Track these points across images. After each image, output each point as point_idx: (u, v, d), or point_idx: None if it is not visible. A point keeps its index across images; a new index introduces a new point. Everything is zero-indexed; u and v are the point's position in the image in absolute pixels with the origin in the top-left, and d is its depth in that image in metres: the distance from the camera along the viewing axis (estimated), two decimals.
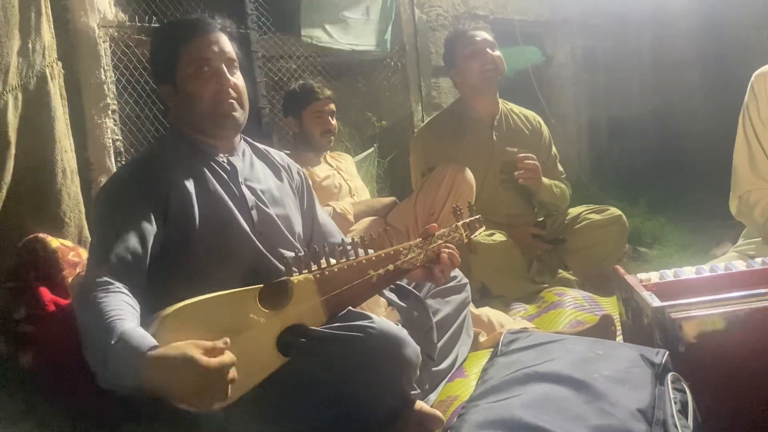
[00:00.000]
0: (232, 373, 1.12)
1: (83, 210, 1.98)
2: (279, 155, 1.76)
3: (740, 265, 1.61)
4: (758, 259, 1.63)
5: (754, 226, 2.06)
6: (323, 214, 1.80)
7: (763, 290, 1.38)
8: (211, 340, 1.14)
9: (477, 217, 1.64)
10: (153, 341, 1.13)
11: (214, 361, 1.09)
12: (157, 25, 2.85)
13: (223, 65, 1.55)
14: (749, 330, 1.32)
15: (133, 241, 1.36)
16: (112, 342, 1.14)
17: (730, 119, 2.14)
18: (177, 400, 1.09)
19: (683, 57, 5.18)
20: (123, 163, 2.70)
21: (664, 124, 5.41)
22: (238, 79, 1.59)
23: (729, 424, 1.31)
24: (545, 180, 2.72)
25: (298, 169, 1.78)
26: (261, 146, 1.74)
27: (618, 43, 5.34)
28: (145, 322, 1.22)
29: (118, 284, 1.28)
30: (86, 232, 1.96)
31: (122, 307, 1.23)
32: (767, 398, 1.32)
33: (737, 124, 2.09)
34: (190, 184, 1.49)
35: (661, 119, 5.46)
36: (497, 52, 2.75)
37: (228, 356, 1.12)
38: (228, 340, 1.14)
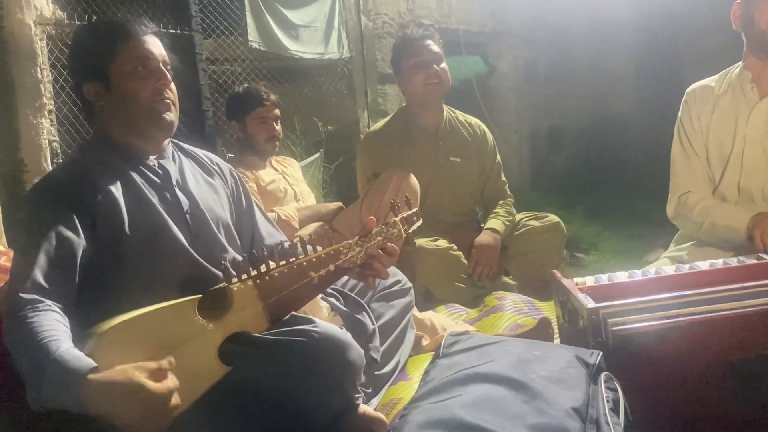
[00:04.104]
0: (175, 398, 1.10)
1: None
2: (208, 156, 1.70)
3: (670, 270, 1.69)
4: (686, 265, 1.71)
5: (691, 226, 2.14)
6: (263, 214, 1.76)
7: (689, 292, 1.45)
8: (150, 356, 1.11)
9: (414, 210, 1.64)
10: (92, 363, 1.09)
11: (161, 386, 1.07)
12: None
13: (161, 65, 1.51)
14: (678, 331, 1.38)
15: (59, 254, 1.29)
16: (47, 365, 1.09)
17: (666, 130, 2.25)
18: (118, 424, 1.06)
19: (621, 70, 5.39)
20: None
21: (602, 134, 5.60)
22: (172, 82, 1.55)
23: (659, 420, 1.36)
24: (496, 223, 2.73)
25: (230, 169, 1.72)
26: (188, 147, 1.68)
27: (559, 55, 5.50)
28: (77, 340, 1.17)
29: (47, 302, 1.22)
30: (5, 240, 1.89)
31: (55, 327, 1.17)
32: (695, 396, 1.39)
33: (673, 135, 2.20)
34: (118, 191, 1.42)
35: (600, 129, 5.65)
36: (443, 65, 2.77)
37: (172, 380, 1.10)
38: (173, 360, 1.12)
